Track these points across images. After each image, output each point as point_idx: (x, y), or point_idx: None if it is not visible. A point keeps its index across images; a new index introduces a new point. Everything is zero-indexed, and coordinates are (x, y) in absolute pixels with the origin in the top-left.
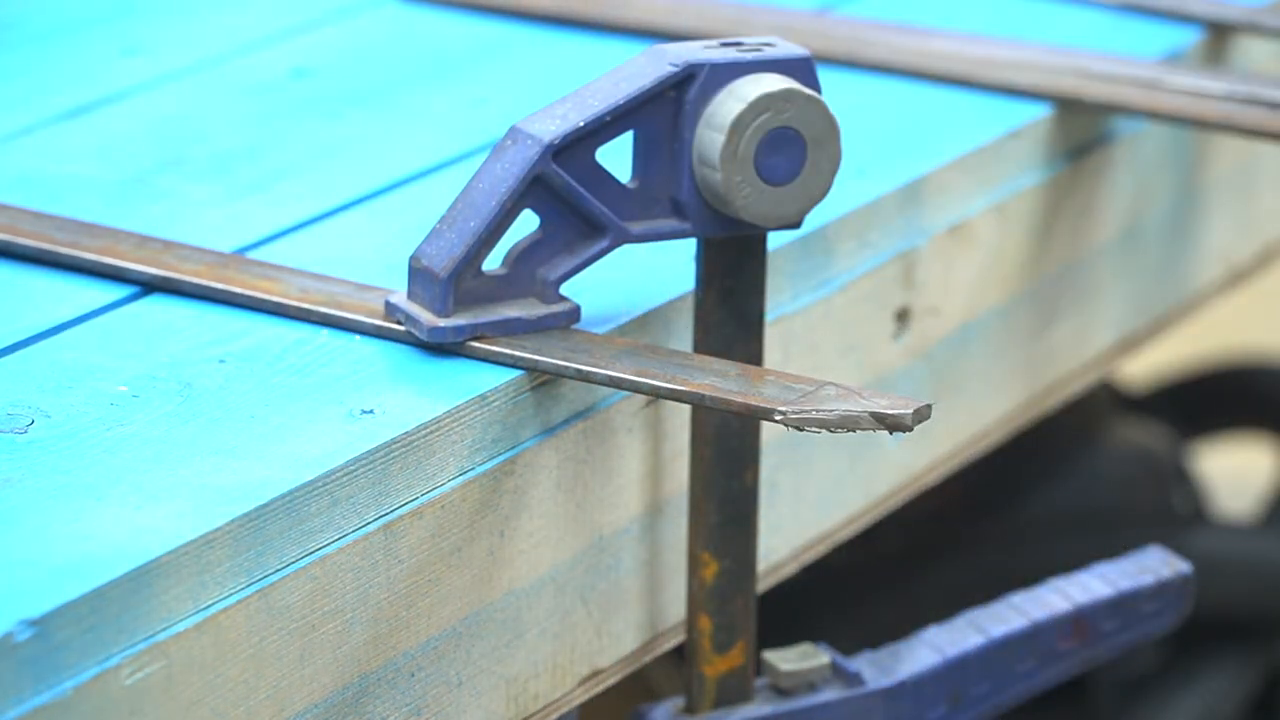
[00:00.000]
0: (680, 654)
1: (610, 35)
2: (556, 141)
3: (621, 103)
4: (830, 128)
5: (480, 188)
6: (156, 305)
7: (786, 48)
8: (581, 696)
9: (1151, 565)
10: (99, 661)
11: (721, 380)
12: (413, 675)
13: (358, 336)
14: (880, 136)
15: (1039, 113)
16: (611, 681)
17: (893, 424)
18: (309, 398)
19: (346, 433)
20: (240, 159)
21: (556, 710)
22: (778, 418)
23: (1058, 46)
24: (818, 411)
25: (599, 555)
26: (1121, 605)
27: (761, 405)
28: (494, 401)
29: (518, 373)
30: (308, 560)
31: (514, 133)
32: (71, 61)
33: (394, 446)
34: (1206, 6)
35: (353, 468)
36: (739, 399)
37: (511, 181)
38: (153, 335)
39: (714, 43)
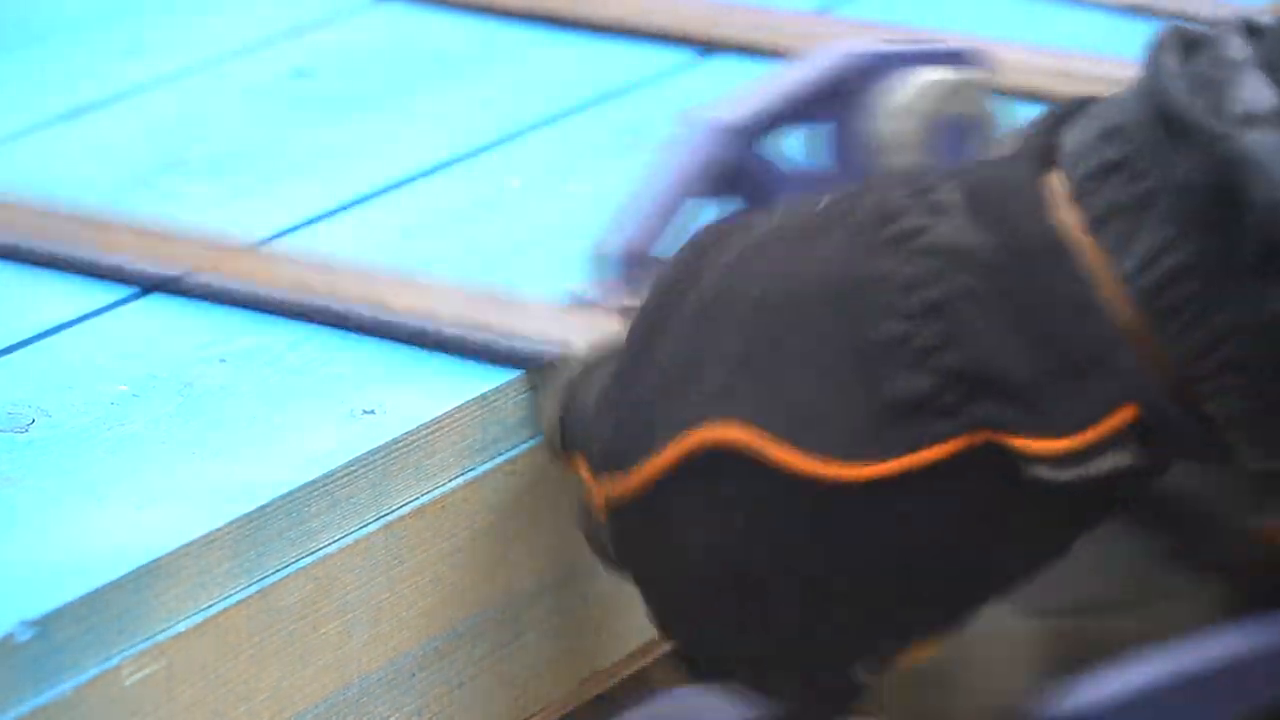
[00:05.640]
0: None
1: (611, 36)
2: (734, 129)
3: (800, 93)
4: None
5: (658, 175)
6: (157, 305)
7: (958, 42)
8: (583, 697)
9: None
10: (99, 662)
11: None
12: (414, 676)
13: (358, 336)
14: None
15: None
16: (613, 682)
17: None
18: (310, 397)
19: (347, 432)
20: (240, 160)
21: (557, 711)
22: None
23: (1052, 48)
24: None
25: None
26: None
27: None
28: (495, 401)
29: (519, 372)
30: (308, 560)
31: (692, 120)
32: (71, 61)
33: (395, 446)
34: (1208, 8)
35: (353, 468)
36: None
37: (688, 168)
38: (153, 335)
39: (890, 37)
